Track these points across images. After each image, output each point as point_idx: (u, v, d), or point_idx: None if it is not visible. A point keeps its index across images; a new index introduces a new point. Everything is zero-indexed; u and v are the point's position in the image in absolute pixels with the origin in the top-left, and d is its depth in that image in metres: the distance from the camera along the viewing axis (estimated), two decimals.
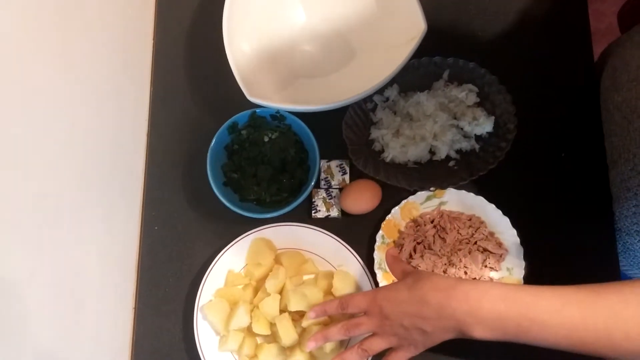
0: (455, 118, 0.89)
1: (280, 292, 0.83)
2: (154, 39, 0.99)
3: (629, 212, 0.82)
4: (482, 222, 0.86)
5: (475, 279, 0.84)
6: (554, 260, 0.85)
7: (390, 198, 0.87)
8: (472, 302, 0.60)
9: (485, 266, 0.84)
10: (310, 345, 0.71)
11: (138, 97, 0.95)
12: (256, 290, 0.85)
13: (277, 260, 0.86)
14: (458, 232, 0.85)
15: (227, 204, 0.83)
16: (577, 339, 0.57)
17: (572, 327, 0.57)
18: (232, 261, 0.86)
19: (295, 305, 0.79)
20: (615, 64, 0.87)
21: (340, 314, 0.74)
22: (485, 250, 0.85)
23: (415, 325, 0.64)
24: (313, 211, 0.88)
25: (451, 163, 0.88)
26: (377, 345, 0.68)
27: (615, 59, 0.88)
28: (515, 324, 0.59)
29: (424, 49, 0.83)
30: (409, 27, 0.84)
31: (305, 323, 0.79)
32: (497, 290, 0.60)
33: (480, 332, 0.60)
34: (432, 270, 0.83)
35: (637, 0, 0.93)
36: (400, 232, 0.87)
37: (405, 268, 0.72)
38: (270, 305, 0.81)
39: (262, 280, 0.85)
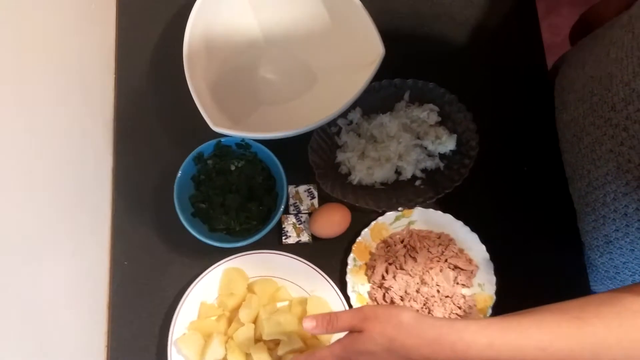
0: (418, 138, 0.90)
1: (255, 321, 0.82)
2: (115, 74, 0.99)
3: (589, 227, 0.83)
4: (451, 240, 0.87)
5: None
6: (524, 273, 0.86)
7: (360, 220, 0.88)
8: (460, 354, 0.59)
9: (457, 283, 0.85)
10: None
11: (102, 133, 0.94)
12: (230, 321, 0.85)
13: (250, 289, 0.86)
14: (428, 251, 0.86)
15: (196, 235, 0.83)
16: None
17: None
18: (204, 292, 0.85)
19: (270, 334, 0.79)
20: (563, 84, 0.89)
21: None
22: (456, 267, 0.85)
23: None
24: (283, 237, 0.88)
25: (417, 182, 0.89)
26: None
27: (562, 78, 0.91)
28: None
29: (384, 71, 0.84)
30: (368, 51, 0.86)
31: (281, 351, 0.78)
32: (483, 338, 0.59)
33: None
34: (405, 291, 0.84)
35: (586, 20, 0.96)
36: (371, 253, 0.87)
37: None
38: (244, 335, 0.80)
39: (235, 310, 0.84)
